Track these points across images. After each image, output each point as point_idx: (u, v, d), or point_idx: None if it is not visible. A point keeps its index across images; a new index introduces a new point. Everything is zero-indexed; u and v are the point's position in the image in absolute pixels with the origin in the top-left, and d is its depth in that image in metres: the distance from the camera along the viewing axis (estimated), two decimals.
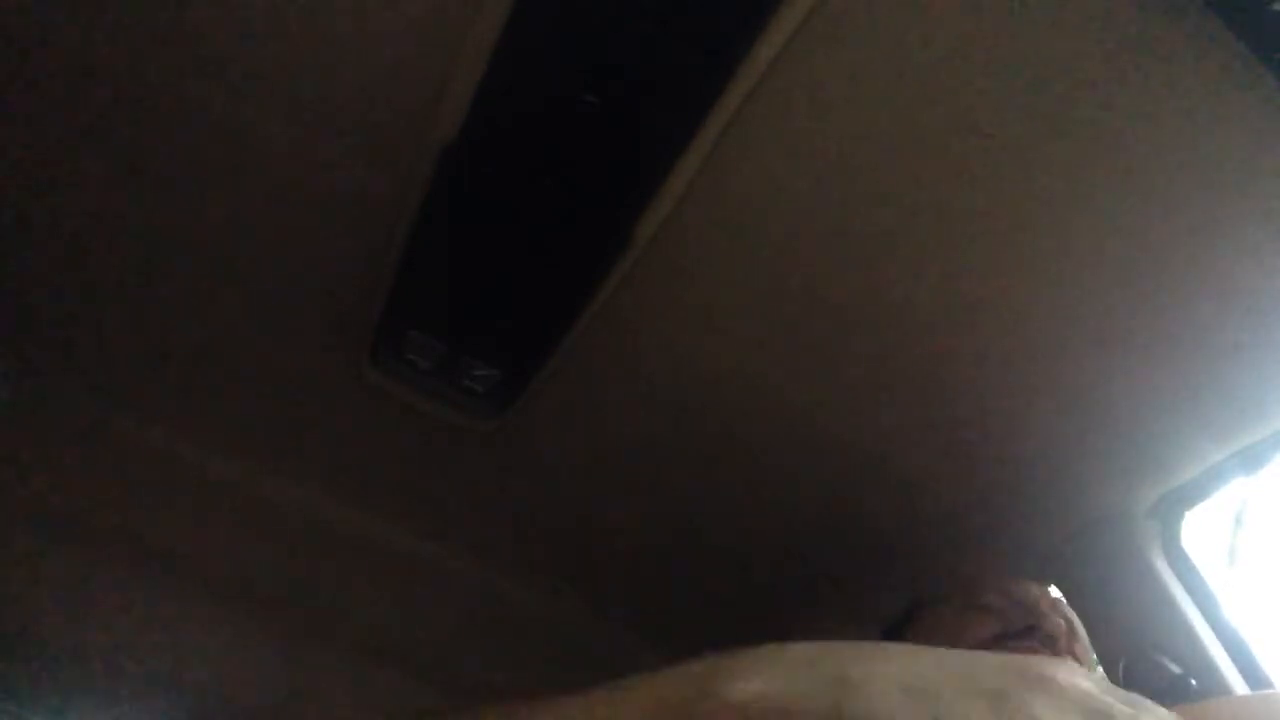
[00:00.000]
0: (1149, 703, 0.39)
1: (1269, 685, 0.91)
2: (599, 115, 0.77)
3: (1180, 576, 0.99)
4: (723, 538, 1.28)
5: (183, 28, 0.81)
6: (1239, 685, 0.90)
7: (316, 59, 0.81)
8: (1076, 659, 0.90)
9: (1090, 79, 0.69)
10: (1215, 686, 0.90)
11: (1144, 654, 0.94)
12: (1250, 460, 0.95)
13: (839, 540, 1.22)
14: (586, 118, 0.77)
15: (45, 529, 1.34)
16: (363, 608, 1.48)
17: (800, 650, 0.41)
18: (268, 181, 0.95)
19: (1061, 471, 1.03)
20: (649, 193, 0.83)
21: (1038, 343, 0.91)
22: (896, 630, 1.01)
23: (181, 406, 1.31)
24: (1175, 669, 0.91)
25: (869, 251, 0.87)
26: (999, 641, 0.89)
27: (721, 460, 1.16)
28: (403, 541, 1.44)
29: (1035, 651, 0.87)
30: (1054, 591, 1.07)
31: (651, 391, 1.08)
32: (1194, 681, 0.90)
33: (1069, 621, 0.94)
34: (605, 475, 1.24)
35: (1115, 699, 0.37)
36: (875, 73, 0.72)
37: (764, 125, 0.77)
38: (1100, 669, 1.00)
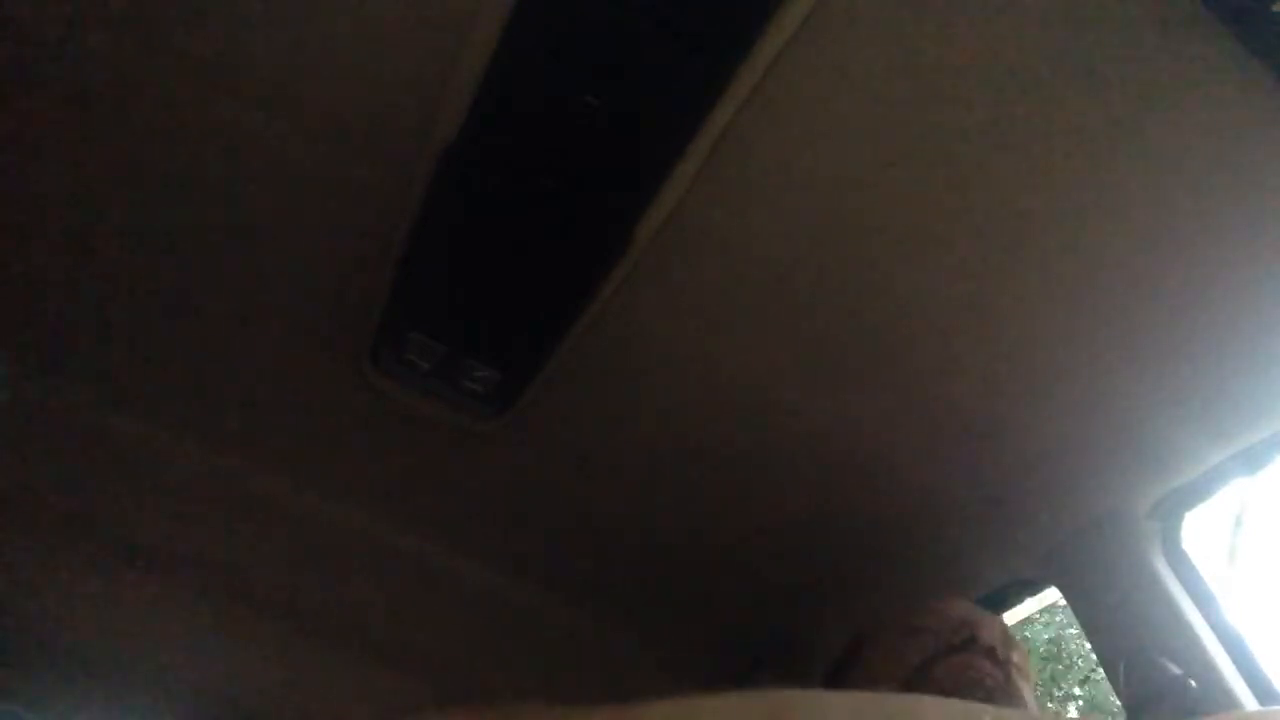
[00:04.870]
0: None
1: (1269, 685, 0.91)
2: (599, 116, 0.77)
3: (1180, 577, 0.99)
4: (722, 538, 1.28)
5: (183, 32, 0.81)
6: (1239, 686, 0.90)
7: (317, 61, 0.81)
8: (1017, 667, 0.90)
9: (1089, 81, 0.69)
10: (1215, 687, 0.90)
11: (1144, 654, 0.94)
12: (1250, 460, 0.94)
13: (839, 541, 1.22)
14: (586, 119, 0.77)
15: (45, 529, 1.35)
16: (363, 608, 1.49)
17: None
18: (269, 183, 0.95)
19: (1061, 472, 1.03)
20: (649, 194, 0.83)
21: (1039, 344, 0.91)
22: (841, 668, 1.01)
23: (182, 407, 1.31)
24: (1175, 669, 0.91)
25: (870, 253, 0.87)
26: (938, 660, 0.89)
27: (721, 461, 1.16)
28: (403, 541, 1.44)
29: (976, 665, 0.88)
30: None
31: (651, 392, 1.08)
32: (1194, 682, 0.90)
33: (1004, 630, 0.95)
34: (605, 476, 1.24)
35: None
36: (875, 75, 0.72)
37: (764, 126, 0.77)
38: (1103, 670, 1.00)
